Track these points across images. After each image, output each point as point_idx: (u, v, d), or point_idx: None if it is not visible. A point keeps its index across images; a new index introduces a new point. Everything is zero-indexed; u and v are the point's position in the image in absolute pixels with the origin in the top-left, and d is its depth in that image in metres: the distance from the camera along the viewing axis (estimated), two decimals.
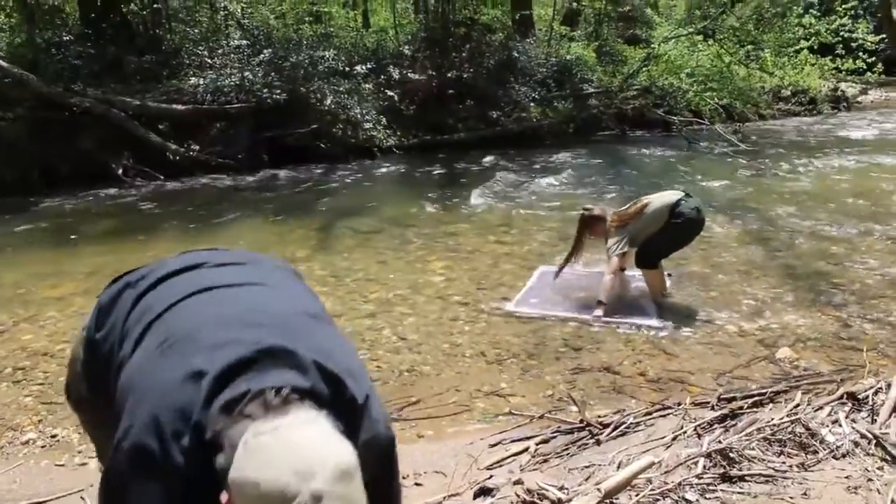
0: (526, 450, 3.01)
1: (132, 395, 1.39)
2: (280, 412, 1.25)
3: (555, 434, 3.15)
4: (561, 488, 2.60)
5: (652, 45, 15.18)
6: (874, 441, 2.65)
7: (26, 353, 4.35)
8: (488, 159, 11.35)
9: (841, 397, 3.04)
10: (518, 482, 2.72)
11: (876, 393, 3.02)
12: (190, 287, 1.64)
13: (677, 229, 4.75)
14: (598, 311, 4.66)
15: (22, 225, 7.91)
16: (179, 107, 10.82)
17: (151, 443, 1.30)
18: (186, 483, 1.30)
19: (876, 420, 2.82)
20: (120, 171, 9.89)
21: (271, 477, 1.16)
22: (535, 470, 2.84)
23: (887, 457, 2.56)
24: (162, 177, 10.03)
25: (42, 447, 3.29)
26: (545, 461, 2.91)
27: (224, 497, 1.25)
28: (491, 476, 2.82)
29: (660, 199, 4.84)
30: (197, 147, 10.61)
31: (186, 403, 1.32)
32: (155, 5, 12.85)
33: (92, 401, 1.77)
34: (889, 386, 3.04)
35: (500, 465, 2.92)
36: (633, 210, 4.85)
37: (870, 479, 2.43)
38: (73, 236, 7.36)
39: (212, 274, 1.74)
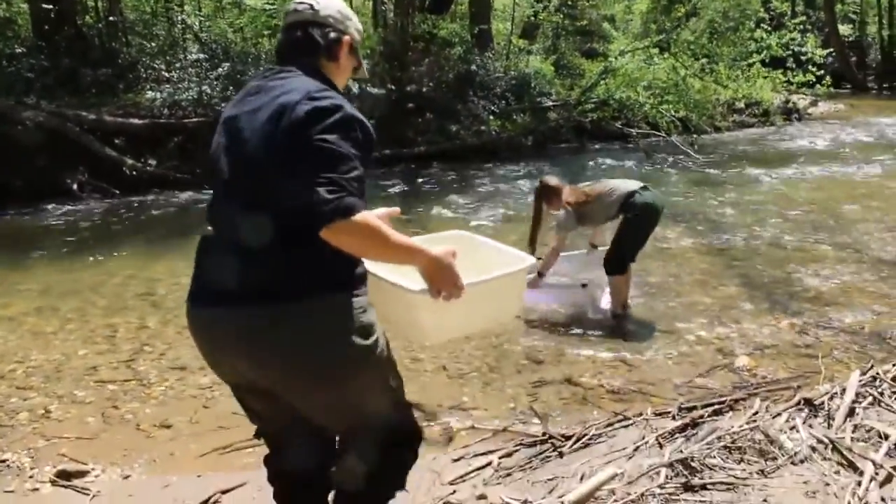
0: (489, 464, 3.00)
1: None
2: None
3: (518, 447, 3.14)
4: (524, 502, 2.60)
5: (609, 59, 15.35)
6: (830, 446, 2.69)
7: None
8: (449, 172, 11.38)
9: (798, 403, 3.09)
10: (482, 497, 2.71)
11: (831, 398, 3.08)
12: None
13: (631, 224, 4.74)
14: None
15: None
16: (136, 121, 10.61)
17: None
18: None
19: (832, 425, 2.87)
20: (75, 187, 9.67)
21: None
22: (498, 484, 2.83)
23: (843, 461, 2.60)
24: (118, 192, 9.83)
25: None
26: (508, 475, 2.90)
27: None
28: (454, 491, 2.80)
29: (620, 185, 4.83)
30: (154, 162, 10.42)
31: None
32: (111, 18, 12.64)
33: None
34: (844, 391, 3.10)
35: (464, 480, 2.90)
36: (591, 191, 4.85)
37: (827, 484, 2.47)
38: (25, 254, 7.16)
39: None
